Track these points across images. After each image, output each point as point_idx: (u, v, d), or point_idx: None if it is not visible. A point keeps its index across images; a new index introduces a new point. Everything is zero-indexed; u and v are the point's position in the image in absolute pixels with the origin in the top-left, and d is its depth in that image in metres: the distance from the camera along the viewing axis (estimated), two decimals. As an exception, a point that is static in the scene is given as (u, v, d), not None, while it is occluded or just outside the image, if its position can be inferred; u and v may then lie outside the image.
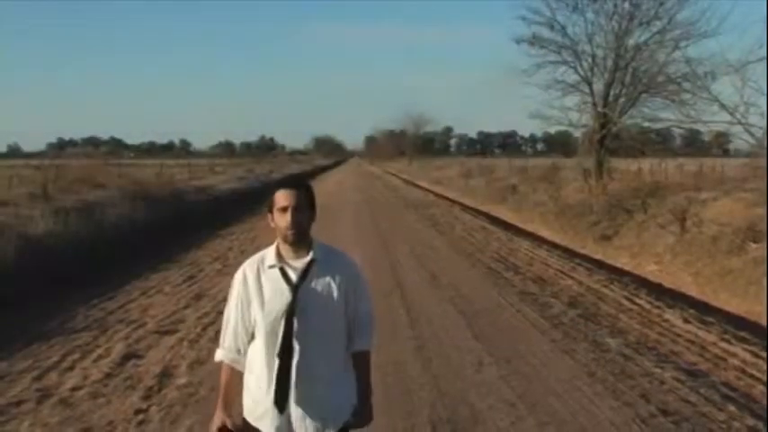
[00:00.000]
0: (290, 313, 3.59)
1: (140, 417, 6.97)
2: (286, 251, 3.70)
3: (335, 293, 3.67)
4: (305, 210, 3.69)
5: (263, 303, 3.65)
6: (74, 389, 7.86)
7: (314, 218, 3.76)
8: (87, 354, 9.18)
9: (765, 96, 19.31)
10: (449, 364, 8.72)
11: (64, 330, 10.33)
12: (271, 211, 3.72)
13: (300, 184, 3.78)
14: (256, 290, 3.67)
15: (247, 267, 3.74)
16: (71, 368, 8.62)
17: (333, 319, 3.67)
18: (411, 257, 17.34)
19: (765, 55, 19.74)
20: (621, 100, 29.83)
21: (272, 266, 3.68)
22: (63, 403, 7.42)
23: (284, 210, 3.64)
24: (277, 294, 3.63)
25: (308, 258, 3.67)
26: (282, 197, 3.67)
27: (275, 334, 3.60)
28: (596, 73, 29.98)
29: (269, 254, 3.73)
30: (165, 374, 8.31)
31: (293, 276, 3.64)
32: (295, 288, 3.61)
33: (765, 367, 8.60)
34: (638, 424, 6.83)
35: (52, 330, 10.32)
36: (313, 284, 3.65)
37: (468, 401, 7.41)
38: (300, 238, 3.65)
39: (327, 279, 3.68)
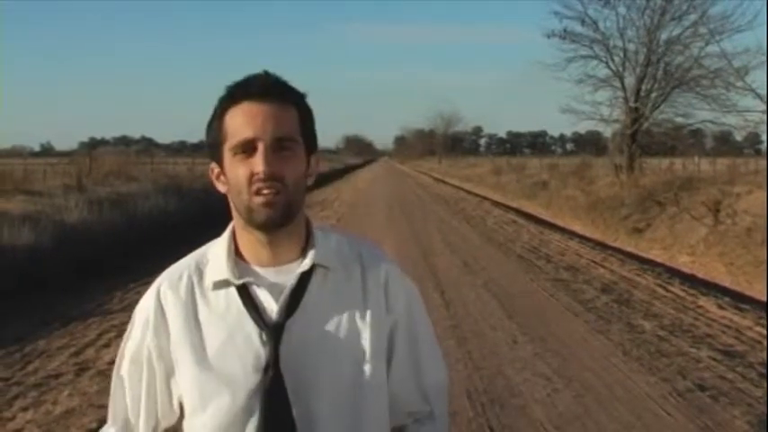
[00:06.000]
0: (270, 393, 1.73)
1: (178, 386, 7.05)
2: (252, 248, 1.82)
3: (368, 339, 1.81)
4: (297, 147, 1.80)
5: (202, 371, 1.77)
6: (111, 362, 7.91)
7: (313, 173, 1.87)
8: (124, 332, 9.19)
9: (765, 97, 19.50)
10: (483, 341, 8.74)
11: (100, 311, 10.47)
12: (217, 157, 1.82)
13: (283, 90, 1.82)
14: (187, 340, 1.80)
15: (165, 287, 1.86)
16: (108, 345, 8.72)
17: (360, 400, 1.80)
18: (443, 246, 17.34)
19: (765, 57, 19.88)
20: (653, 95, 29.71)
21: (220, 285, 1.81)
22: (101, 375, 7.52)
23: (248, 147, 1.76)
24: (235, 349, 1.77)
25: (304, 264, 1.81)
26: (245, 119, 1.77)
27: None
28: (628, 68, 29.88)
29: (213, 257, 1.85)
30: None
31: (269, 304, 1.78)
32: (275, 331, 1.75)
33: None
34: (674, 398, 6.81)
35: (89, 312, 10.45)
36: (316, 323, 1.79)
37: (505, 375, 7.44)
38: (285, 215, 1.77)
39: (346, 308, 1.82)
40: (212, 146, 1.83)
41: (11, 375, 7.59)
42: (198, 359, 1.78)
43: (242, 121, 1.76)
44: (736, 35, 26.93)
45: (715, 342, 8.84)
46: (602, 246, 18.63)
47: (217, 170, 1.84)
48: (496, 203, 33.24)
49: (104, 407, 6.55)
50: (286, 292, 1.78)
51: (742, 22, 26.21)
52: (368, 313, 1.82)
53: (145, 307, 1.89)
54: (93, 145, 70.79)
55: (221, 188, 1.84)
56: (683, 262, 16.22)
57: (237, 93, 1.80)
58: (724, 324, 9.81)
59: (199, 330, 1.80)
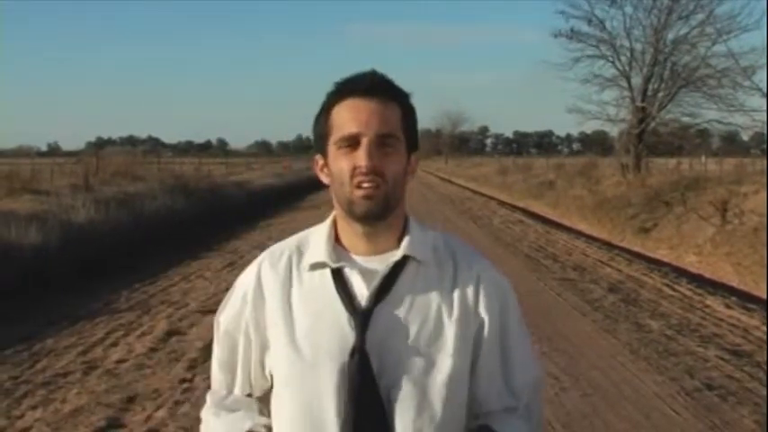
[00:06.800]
0: (357, 377, 1.79)
1: (185, 385, 7.07)
2: (350, 238, 1.89)
3: (452, 334, 1.83)
4: (398, 144, 1.85)
5: (291, 349, 1.84)
6: (119, 361, 7.99)
7: (415, 167, 1.93)
8: (131, 331, 9.31)
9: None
10: (490, 340, 8.73)
11: (107, 311, 10.48)
12: (322, 150, 1.90)
13: (388, 88, 1.88)
14: (281, 317, 1.87)
15: (266, 264, 1.94)
16: (115, 344, 8.74)
17: (437, 392, 1.81)
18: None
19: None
20: (660, 94, 29.74)
21: (316, 266, 1.88)
22: (109, 374, 7.55)
23: (352, 141, 1.82)
24: (322, 331, 1.83)
25: (397, 254, 1.86)
26: (350, 114, 1.83)
27: (318, 421, 1.81)
28: (634, 67, 29.94)
29: (313, 241, 1.92)
30: (209, 349, 8.35)
31: (360, 290, 1.84)
32: (363, 317, 1.81)
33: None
34: (682, 397, 6.81)
35: (96, 311, 10.47)
36: (404, 312, 1.83)
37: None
38: (384, 208, 1.83)
39: (434, 302, 1.85)
40: (318, 139, 1.90)
41: (19, 374, 7.60)
42: (288, 337, 1.84)
43: (348, 117, 1.83)
44: (744, 34, 26.97)
45: (723, 341, 8.83)
46: (609, 245, 18.62)
47: (321, 162, 1.91)
48: (503, 203, 33.25)
49: (112, 405, 6.59)
50: (377, 279, 1.84)
51: (749, 22, 26.28)
52: (455, 310, 1.86)
53: (245, 282, 1.96)
54: (100, 145, 70.97)
55: (324, 180, 1.92)
56: (690, 262, 16.18)
57: (344, 89, 1.87)
58: (731, 323, 9.79)
59: (291, 309, 1.87)
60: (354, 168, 1.81)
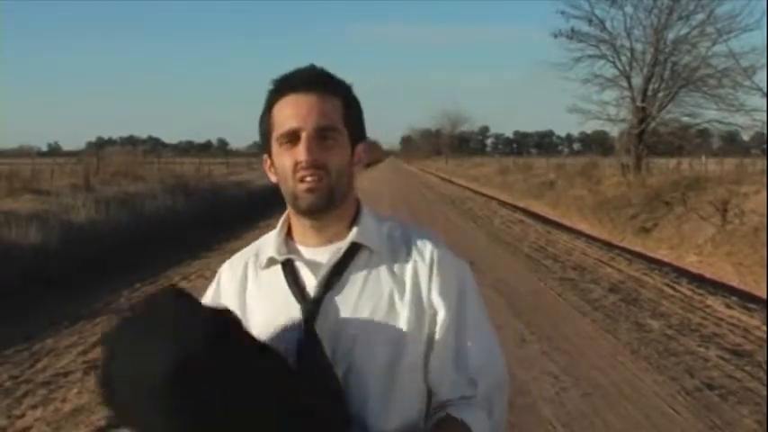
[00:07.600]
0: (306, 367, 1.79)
1: (186, 384, 7.06)
2: (300, 230, 1.92)
3: (405, 321, 1.83)
4: (339, 137, 1.85)
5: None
6: (120, 361, 7.97)
7: (362, 157, 1.93)
8: (131, 331, 9.29)
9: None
10: (491, 340, 8.73)
11: (108, 310, 10.47)
12: (267, 148, 1.90)
13: (327, 81, 1.88)
14: (238, 313, 1.81)
15: (226, 269, 2.04)
16: (116, 343, 8.72)
17: (393, 378, 1.81)
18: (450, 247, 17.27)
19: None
20: (660, 94, 29.68)
21: (269, 263, 1.92)
22: (109, 373, 7.53)
23: (293, 137, 1.83)
24: (277, 324, 1.84)
25: (344, 243, 1.88)
26: (290, 110, 1.83)
27: None
28: (635, 67, 29.85)
29: (268, 240, 1.98)
30: (209, 348, 8.39)
31: (310, 280, 1.86)
32: (312, 306, 1.82)
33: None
34: (682, 396, 6.81)
35: (96, 310, 10.47)
36: (354, 300, 1.84)
37: (513, 373, 7.40)
38: (328, 201, 1.84)
39: (386, 287, 1.85)
40: (263, 138, 1.92)
41: (20, 373, 7.61)
42: None
43: (287, 113, 1.84)
44: (744, 34, 27.00)
45: (723, 341, 8.82)
46: (610, 245, 18.60)
47: (269, 161, 1.92)
48: (503, 203, 33.22)
49: (113, 405, 6.53)
50: (326, 268, 1.86)
51: (750, 22, 26.21)
52: (408, 296, 1.85)
53: (208, 292, 2.03)
54: (101, 145, 70.94)
55: (273, 178, 1.92)
56: (691, 261, 16.17)
57: (283, 86, 1.88)
58: (732, 323, 9.78)
59: (246, 307, 1.91)
60: (296, 164, 1.82)
